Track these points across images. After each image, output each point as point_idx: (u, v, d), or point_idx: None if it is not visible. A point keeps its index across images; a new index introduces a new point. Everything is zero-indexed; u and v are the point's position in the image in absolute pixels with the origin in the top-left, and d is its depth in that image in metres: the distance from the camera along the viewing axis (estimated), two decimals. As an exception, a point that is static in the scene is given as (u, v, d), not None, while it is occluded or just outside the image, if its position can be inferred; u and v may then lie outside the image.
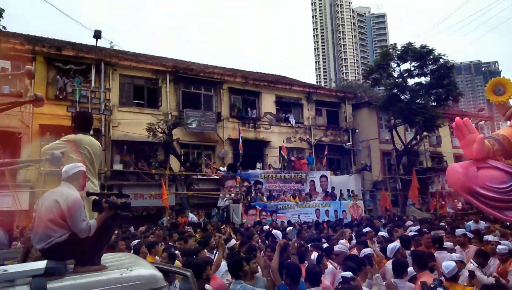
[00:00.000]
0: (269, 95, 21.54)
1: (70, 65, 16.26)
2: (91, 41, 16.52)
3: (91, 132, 4.17)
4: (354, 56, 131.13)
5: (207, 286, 4.17)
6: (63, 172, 2.90)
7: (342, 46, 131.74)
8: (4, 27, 12.42)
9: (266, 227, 10.89)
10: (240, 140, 17.82)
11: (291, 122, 21.78)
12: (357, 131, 23.25)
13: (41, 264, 2.39)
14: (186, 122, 17.25)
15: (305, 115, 22.59)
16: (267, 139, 20.73)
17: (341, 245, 6.25)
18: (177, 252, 5.93)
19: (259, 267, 4.62)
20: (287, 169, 19.76)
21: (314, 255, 5.55)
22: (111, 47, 20.57)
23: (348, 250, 6.17)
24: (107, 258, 2.96)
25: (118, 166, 16.38)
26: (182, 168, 16.50)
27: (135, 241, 6.74)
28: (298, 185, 19.00)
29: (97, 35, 15.14)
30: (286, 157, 19.81)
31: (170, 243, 7.48)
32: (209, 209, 16.58)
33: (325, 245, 6.33)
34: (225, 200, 16.38)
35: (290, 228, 8.93)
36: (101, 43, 16.93)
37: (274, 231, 8.11)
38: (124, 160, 16.60)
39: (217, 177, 17.61)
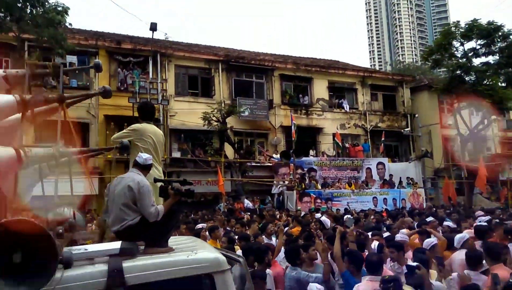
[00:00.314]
0: (321, 80, 21.07)
1: (129, 57, 17.12)
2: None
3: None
4: (411, 37, 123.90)
5: (267, 270, 4.24)
6: (141, 159, 3.02)
7: (397, 26, 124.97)
8: (70, 24, 13.29)
9: (318, 215, 10.77)
10: (293, 127, 17.71)
11: (345, 108, 21.18)
12: (416, 116, 22.08)
13: (117, 244, 2.56)
14: (239, 110, 17.48)
15: (359, 100, 21.86)
16: (320, 126, 20.39)
17: (402, 235, 6.02)
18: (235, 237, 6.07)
19: (317, 253, 4.62)
20: (341, 156, 19.36)
21: (374, 244, 5.40)
22: (165, 39, 21.30)
23: (408, 239, 5.93)
24: (173, 241, 3.09)
25: (176, 154, 17.10)
26: (237, 155, 16.82)
27: (199, 225, 6.95)
28: (353, 172, 18.56)
29: (153, 27, 15.73)
30: (340, 144, 19.38)
31: (228, 228, 7.68)
32: (263, 195, 16.79)
33: (385, 234, 6.14)
34: (279, 187, 16.48)
35: (348, 216, 8.77)
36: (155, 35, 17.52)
37: (322, 218, 8.01)
38: (182, 148, 17.27)
39: (271, 164, 17.73)
